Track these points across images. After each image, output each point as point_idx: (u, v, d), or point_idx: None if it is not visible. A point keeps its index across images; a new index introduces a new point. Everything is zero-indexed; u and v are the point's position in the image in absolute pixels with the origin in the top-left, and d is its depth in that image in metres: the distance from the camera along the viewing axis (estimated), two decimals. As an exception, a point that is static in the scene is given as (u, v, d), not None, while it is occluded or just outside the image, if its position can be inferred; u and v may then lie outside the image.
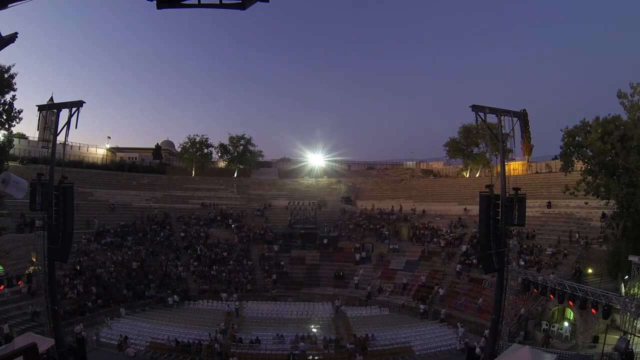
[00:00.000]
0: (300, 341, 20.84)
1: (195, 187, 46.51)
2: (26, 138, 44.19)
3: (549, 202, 33.28)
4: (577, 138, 22.31)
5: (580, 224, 28.54)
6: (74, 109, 16.80)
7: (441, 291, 28.11)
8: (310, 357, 19.77)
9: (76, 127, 16.93)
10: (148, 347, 20.27)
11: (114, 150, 54.76)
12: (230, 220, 39.87)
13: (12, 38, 8.73)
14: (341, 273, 33.48)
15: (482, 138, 42.35)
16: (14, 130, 29.88)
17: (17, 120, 26.59)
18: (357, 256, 35.15)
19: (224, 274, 32.69)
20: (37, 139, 44.02)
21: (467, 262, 30.01)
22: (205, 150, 51.66)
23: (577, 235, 26.76)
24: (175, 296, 29.12)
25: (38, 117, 17.52)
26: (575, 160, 25.32)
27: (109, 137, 54.14)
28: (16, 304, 22.48)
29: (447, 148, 48.81)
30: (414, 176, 52.68)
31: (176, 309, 28.13)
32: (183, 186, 46.61)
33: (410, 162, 57.51)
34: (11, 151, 30.75)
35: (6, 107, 25.22)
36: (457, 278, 29.18)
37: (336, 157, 51.65)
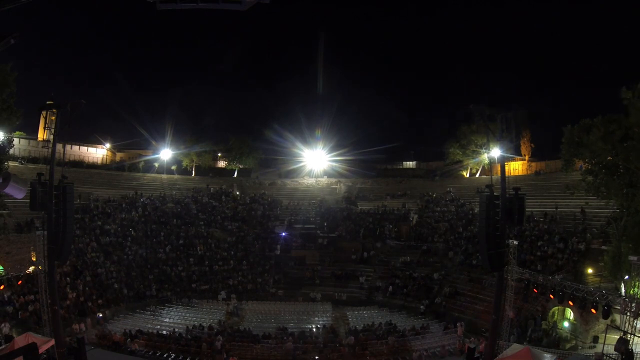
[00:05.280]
0: (295, 341, 20.83)
1: (195, 187, 46.52)
2: (26, 138, 44.19)
3: (549, 202, 33.25)
4: (577, 137, 22.25)
5: (581, 223, 28.49)
6: (74, 109, 16.78)
7: (441, 291, 28.11)
8: (311, 358, 19.76)
9: (76, 127, 16.94)
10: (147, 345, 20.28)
11: (114, 150, 54.74)
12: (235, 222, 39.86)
13: (12, 38, 8.73)
14: (341, 273, 33.47)
15: (481, 137, 42.31)
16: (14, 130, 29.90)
17: (17, 119, 26.55)
18: (357, 256, 35.14)
19: (224, 274, 32.69)
20: (37, 139, 44.12)
21: (467, 262, 30.00)
22: (206, 150, 51.73)
23: (577, 235, 26.74)
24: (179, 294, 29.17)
25: (39, 117, 17.51)
26: (576, 160, 25.27)
27: (109, 137, 53.96)
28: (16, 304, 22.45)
29: (448, 147, 48.82)
30: (415, 176, 52.65)
31: (176, 308, 28.14)
32: (183, 186, 46.62)
33: (411, 162, 57.49)
34: (11, 151, 30.78)
35: (5, 105, 25.15)
36: (457, 278, 29.17)
37: (336, 157, 51.54)
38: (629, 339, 13.50)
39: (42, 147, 33.09)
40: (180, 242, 35.65)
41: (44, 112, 17.97)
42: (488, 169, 44.68)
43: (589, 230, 26.78)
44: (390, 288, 30.63)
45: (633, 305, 13.83)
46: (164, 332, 22.04)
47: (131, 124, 48.19)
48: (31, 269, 21.93)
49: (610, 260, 20.34)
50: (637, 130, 18.77)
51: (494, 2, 77.59)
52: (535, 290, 18.13)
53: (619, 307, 14.92)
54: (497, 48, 74.97)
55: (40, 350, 13.01)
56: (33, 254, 21.61)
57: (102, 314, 24.82)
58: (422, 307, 27.55)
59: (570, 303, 16.93)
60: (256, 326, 24.01)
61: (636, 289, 15.36)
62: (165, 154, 50.16)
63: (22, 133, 42.08)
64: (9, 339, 16.23)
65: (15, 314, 21.64)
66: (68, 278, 26.24)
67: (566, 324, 20.94)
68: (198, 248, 35.25)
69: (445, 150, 49.39)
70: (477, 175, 48.29)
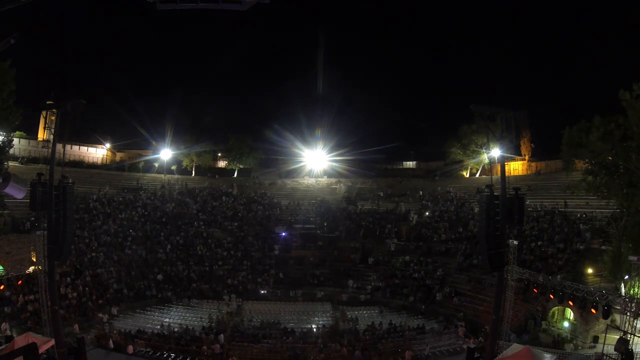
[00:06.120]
0: (296, 341, 20.85)
1: (195, 187, 46.50)
2: (26, 138, 44.17)
3: (549, 202, 33.25)
4: (577, 137, 22.27)
5: (581, 223, 28.45)
6: (74, 109, 16.77)
7: (441, 291, 28.12)
8: (311, 357, 19.77)
9: (76, 127, 16.94)
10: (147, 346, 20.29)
11: (114, 150, 54.74)
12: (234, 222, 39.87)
13: (12, 38, 8.74)
14: (341, 273, 33.46)
15: (482, 137, 42.33)
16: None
17: (17, 119, 26.53)
18: (357, 256, 35.12)
19: (224, 274, 32.68)
20: (37, 139, 44.12)
21: (467, 262, 30.00)
22: (206, 150, 51.73)
23: (577, 235, 26.73)
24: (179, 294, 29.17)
25: (39, 117, 17.53)
26: (576, 160, 25.28)
27: (109, 137, 53.90)
28: (16, 304, 22.45)
29: (448, 147, 48.84)
30: (415, 176, 52.66)
31: (176, 308, 28.15)
32: (183, 186, 46.59)
33: (411, 162, 57.52)
34: (11, 151, 30.72)
35: (5, 105, 25.13)
36: (457, 278, 29.17)
37: (336, 157, 51.51)
38: (629, 339, 13.51)
39: (42, 147, 33.06)
40: (180, 242, 35.67)
41: (44, 112, 17.99)
42: (488, 169, 44.70)
43: (588, 230, 26.76)
44: (390, 288, 30.62)
45: (633, 305, 13.84)
46: (164, 332, 22.04)
47: (131, 124, 48.08)
48: (31, 269, 21.96)
49: (610, 260, 20.36)
50: (636, 130, 18.81)
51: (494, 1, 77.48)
52: (535, 290, 18.17)
53: (619, 307, 14.94)
54: (497, 47, 74.84)
55: (40, 350, 13.01)
56: (33, 254, 21.62)
57: (104, 314, 24.81)
58: (422, 307, 27.55)
59: (570, 303, 16.95)
60: (255, 326, 24.03)
61: (636, 289, 15.36)
62: (165, 154, 50.12)
63: (22, 133, 42.05)
64: (9, 339, 16.23)
65: (15, 314, 21.65)
66: (68, 278, 26.26)
67: (566, 324, 20.94)
68: (198, 248, 35.26)
69: (445, 150, 49.44)
70: (477, 175, 48.32)
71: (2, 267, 23.97)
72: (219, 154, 55.36)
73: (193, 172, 51.81)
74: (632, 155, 19.41)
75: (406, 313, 27.60)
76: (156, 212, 38.85)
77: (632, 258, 15.73)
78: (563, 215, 30.14)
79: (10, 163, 31.86)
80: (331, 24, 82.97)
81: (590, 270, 23.05)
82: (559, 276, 20.05)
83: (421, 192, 45.39)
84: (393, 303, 29.37)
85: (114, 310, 25.77)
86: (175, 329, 22.41)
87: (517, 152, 43.37)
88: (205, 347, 19.86)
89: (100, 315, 24.29)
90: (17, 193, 11.57)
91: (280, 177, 53.26)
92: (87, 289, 26.38)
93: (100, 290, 27.17)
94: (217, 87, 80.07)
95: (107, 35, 73.96)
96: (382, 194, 46.54)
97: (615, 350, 13.73)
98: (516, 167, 45.35)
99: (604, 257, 21.21)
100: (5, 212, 28.35)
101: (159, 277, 30.94)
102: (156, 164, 51.32)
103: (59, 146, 17.15)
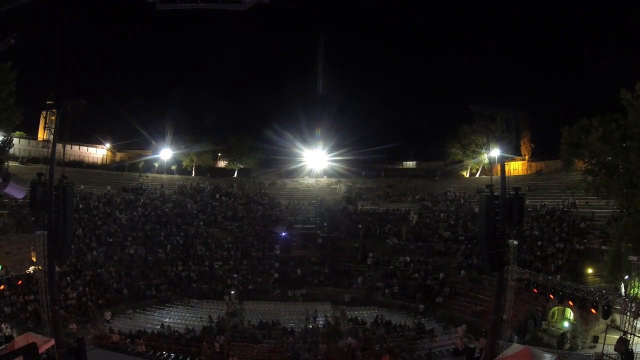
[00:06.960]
0: (296, 341, 20.85)
1: (195, 187, 46.46)
2: (26, 138, 44.17)
3: (550, 202, 33.23)
4: (577, 137, 22.28)
5: (581, 223, 28.44)
6: (74, 109, 16.78)
7: (441, 291, 28.10)
8: (311, 357, 19.75)
9: (76, 127, 16.94)
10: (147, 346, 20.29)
11: (114, 150, 54.72)
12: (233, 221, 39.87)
13: (12, 38, 8.77)
14: (341, 273, 33.45)
15: (482, 137, 42.29)
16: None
17: (17, 119, 26.52)
18: (357, 256, 35.12)
19: (224, 274, 32.67)
20: (37, 139, 44.13)
21: (467, 262, 30.00)
22: (206, 150, 51.71)
23: (576, 234, 26.72)
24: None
25: (39, 117, 17.53)
26: (576, 160, 25.30)
27: (109, 137, 53.89)
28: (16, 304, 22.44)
29: (448, 147, 48.81)
30: (415, 176, 52.62)
31: (176, 308, 28.15)
32: (183, 186, 46.58)
33: (411, 162, 57.49)
34: (11, 151, 30.72)
35: (5, 105, 25.12)
36: (457, 278, 29.18)
37: (336, 157, 51.45)
38: (629, 339, 13.52)
39: (42, 147, 33.08)
40: (180, 242, 35.66)
41: (44, 112, 18.00)
42: (488, 169, 44.68)
43: (588, 230, 26.77)
44: (390, 288, 30.61)
45: (633, 305, 13.85)
46: (164, 332, 22.03)
47: (131, 124, 47.98)
48: (31, 269, 21.99)
49: (610, 260, 20.35)
50: (636, 130, 18.81)
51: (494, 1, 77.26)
52: (535, 290, 18.16)
53: (619, 307, 14.94)
54: (497, 47, 74.72)
55: (40, 350, 13.02)
56: (33, 254, 21.64)
57: (108, 314, 24.63)
58: (421, 307, 27.56)
59: (570, 303, 16.96)
60: (256, 326, 24.03)
61: (636, 289, 15.36)
62: (165, 154, 50.09)
63: (22, 133, 42.04)
64: (9, 339, 16.25)
65: (15, 314, 21.65)
66: (68, 278, 26.24)
67: (566, 324, 20.94)
68: (198, 248, 35.25)
69: (446, 150, 49.38)
70: (477, 175, 48.28)
71: (1, 267, 24.00)
72: (219, 154, 55.32)
73: (193, 172, 51.78)
74: (632, 155, 19.41)
75: (406, 313, 27.60)
76: (156, 212, 38.85)
77: (632, 258, 15.73)
78: (565, 215, 30.11)
79: (10, 163, 31.86)
80: (331, 24, 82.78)
81: (590, 270, 23.06)
82: (559, 276, 20.06)
83: (421, 192, 45.35)
84: (393, 303, 29.36)
85: (107, 316, 24.71)
86: (175, 329, 22.33)
87: (517, 152, 43.31)
88: (205, 347, 19.86)
89: (105, 316, 24.10)
90: (17, 193, 11.57)
91: (280, 177, 53.23)
92: (87, 289, 26.38)
93: (100, 290, 27.17)
94: (217, 87, 79.99)
95: (107, 35, 73.87)
96: (382, 194, 46.46)
97: (615, 350, 13.74)
98: (516, 167, 45.33)
99: (604, 257, 21.20)
100: (5, 212, 28.37)
101: (159, 277, 30.93)
102: (156, 164, 51.29)
103: (59, 146, 17.14)
